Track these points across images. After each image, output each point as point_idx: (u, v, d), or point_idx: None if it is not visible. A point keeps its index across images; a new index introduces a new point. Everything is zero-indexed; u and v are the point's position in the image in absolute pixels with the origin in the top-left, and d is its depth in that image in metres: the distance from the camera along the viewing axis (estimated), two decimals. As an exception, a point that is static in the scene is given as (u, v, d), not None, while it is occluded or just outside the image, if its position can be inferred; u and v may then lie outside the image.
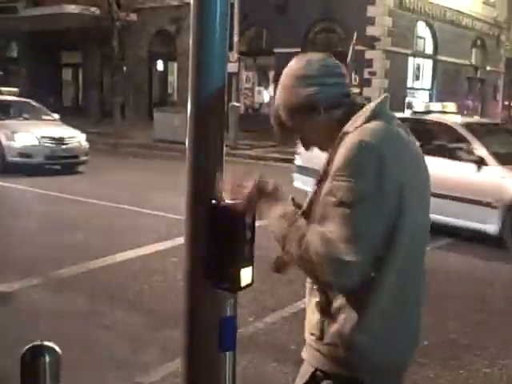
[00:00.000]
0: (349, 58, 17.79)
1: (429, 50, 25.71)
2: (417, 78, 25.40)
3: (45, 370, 1.86)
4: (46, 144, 12.97)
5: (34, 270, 6.01)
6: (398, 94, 22.98)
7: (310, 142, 1.94)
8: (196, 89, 1.82)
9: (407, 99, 20.29)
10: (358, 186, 1.65)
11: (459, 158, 8.08)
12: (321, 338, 1.80)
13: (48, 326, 4.50)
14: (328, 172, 1.76)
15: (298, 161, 10.00)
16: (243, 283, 1.80)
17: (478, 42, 29.11)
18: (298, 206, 1.91)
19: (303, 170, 9.15)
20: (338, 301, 1.76)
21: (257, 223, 1.82)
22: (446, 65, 26.17)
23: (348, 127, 1.78)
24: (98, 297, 5.39)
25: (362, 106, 1.85)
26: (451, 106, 10.03)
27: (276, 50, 23.37)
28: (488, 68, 29.89)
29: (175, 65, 26.47)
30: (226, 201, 1.81)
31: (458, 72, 27.15)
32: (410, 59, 24.40)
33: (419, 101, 19.95)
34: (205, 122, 1.83)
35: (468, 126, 8.52)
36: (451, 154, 8.19)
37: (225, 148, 1.86)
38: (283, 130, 1.93)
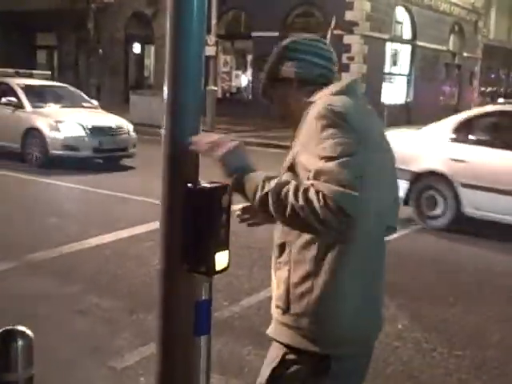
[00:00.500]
0: (327, 43, 17.76)
1: (407, 35, 25.78)
2: (394, 63, 25.47)
3: (17, 354, 1.85)
4: (94, 135, 11.32)
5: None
6: (375, 80, 23.09)
7: (280, 111, 2.03)
8: (173, 72, 1.81)
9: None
10: (341, 140, 1.68)
11: None
12: (286, 310, 1.84)
13: (21, 310, 4.46)
14: (296, 137, 1.84)
15: None
16: (219, 267, 1.80)
17: (456, 28, 29.26)
18: None
19: None
20: (303, 271, 1.79)
21: (232, 207, 1.81)
22: (424, 50, 26.28)
23: (313, 98, 1.87)
24: (71, 281, 5.36)
25: None
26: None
27: (254, 34, 23.27)
28: (465, 54, 30.10)
29: (152, 48, 26.23)
30: (202, 184, 1.80)
31: (436, 58, 27.31)
32: (388, 44, 24.45)
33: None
34: (181, 105, 1.82)
35: None
36: None
37: (202, 132, 1.86)
38: (265, 96, 2.05)
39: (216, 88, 19.31)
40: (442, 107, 28.32)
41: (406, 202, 7.65)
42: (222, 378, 3.67)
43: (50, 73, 14.65)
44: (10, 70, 14.10)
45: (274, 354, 1.91)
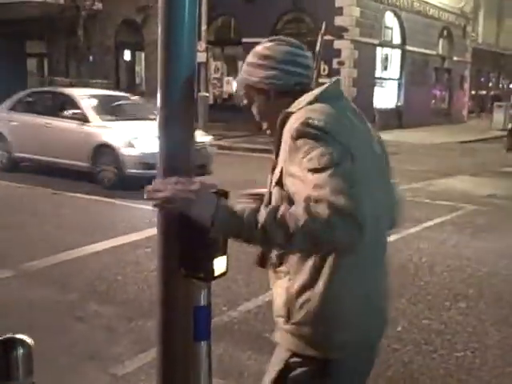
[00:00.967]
0: (317, 48, 17.84)
1: (396, 40, 25.94)
2: (385, 68, 25.62)
3: (17, 363, 1.82)
4: None
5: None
6: (366, 84, 23.19)
7: (261, 120, 1.99)
8: (165, 79, 1.79)
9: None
10: (326, 150, 1.64)
11: None
12: (288, 318, 1.83)
13: (20, 318, 4.43)
14: (278, 152, 1.80)
15: None
16: (217, 272, 1.78)
17: (445, 33, 29.47)
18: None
19: None
20: (303, 280, 1.78)
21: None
22: (414, 55, 26.45)
23: (291, 108, 1.81)
24: (70, 288, 5.32)
25: None
26: None
27: (244, 40, 23.31)
28: (455, 58, 30.31)
29: (143, 55, 26.24)
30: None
31: (425, 62, 27.49)
32: (378, 49, 24.60)
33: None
34: (175, 112, 1.80)
35: None
36: None
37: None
38: (241, 101, 2.03)
39: (208, 94, 19.36)
40: (432, 111, 28.53)
41: None
42: (222, 382, 3.65)
43: (110, 81, 13.85)
44: (64, 80, 13.81)
45: (279, 358, 1.90)
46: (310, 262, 1.76)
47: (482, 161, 15.84)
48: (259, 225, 1.56)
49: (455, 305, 5.22)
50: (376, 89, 24.58)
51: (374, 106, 23.19)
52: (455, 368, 4.05)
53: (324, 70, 20.76)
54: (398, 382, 3.82)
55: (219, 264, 1.77)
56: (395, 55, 26.08)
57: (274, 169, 1.83)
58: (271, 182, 1.84)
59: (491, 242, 7.38)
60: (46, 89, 15.21)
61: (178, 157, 1.82)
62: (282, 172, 1.76)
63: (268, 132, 1.97)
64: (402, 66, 26.24)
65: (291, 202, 1.66)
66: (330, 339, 1.80)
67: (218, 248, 1.77)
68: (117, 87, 27.33)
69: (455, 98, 31.01)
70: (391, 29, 25.61)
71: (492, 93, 36.56)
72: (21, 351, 1.83)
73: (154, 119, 7.34)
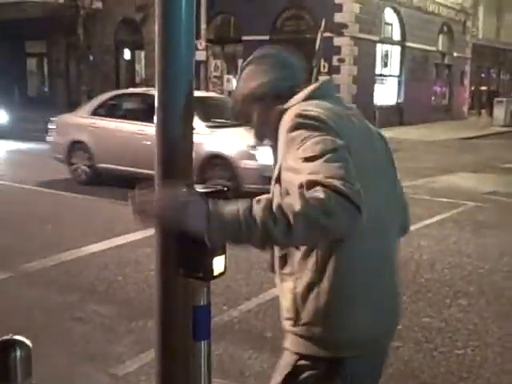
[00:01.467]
0: (317, 46, 17.81)
1: (396, 36, 25.91)
2: (385, 64, 25.59)
3: (16, 364, 1.82)
4: None
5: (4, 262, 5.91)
6: (366, 81, 23.17)
7: (258, 130, 1.99)
8: (163, 77, 1.80)
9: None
10: (321, 138, 1.64)
11: None
12: (296, 320, 1.81)
13: (19, 319, 4.43)
14: (276, 151, 1.81)
15: None
16: (216, 272, 1.77)
17: (445, 28, 29.44)
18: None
19: None
20: (307, 280, 1.76)
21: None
22: (414, 51, 26.42)
23: (285, 105, 1.84)
24: (70, 289, 5.32)
25: None
26: None
27: (244, 38, 23.31)
28: (455, 54, 30.28)
29: (142, 53, 26.23)
30: (196, 189, 1.78)
31: (425, 58, 27.46)
32: (378, 46, 24.58)
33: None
34: (173, 111, 1.80)
35: None
36: None
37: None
38: (239, 118, 2.02)
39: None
40: (433, 107, 28.51)
41: None
42: (223, 382, 3.64)
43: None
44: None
45: (286, 362, 1.88)
46: (312, 260, 1.75)
47: (483, 157, 15.82)
48: (257, 221, 1.51)
49: (456, 302, 5.21)
50: (376, 86, 24.56)
51: (375, 103, 23.18)
52: (456, 366, 4.05)
53: (324, 67, 20.75)
54: (398, 380, 3.82)
55: (218, 263, 1.77)
56: (395, 52, 26.05)
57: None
58: (271, 181, 1.83)
59: (492, 238, 7.37)
60: (135, 90, 12.98)
61: (177, 156, 1.81)
62: (280, 169, 1.76)
63: (270, 143, 1.96)
64: (402, 62, 26.22)
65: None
66: (338, 338, 1.79)
67: (216, 247, 1.77)
68: (117, 86, 27.42)
69: (456, 94, 30.98)
70: (391, 25, 25.59)
71: (485, 88, 36.20)
72: (19, 353, 1.83)
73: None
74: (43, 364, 2.26)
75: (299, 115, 1.72)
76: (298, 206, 1.49)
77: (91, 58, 24.92)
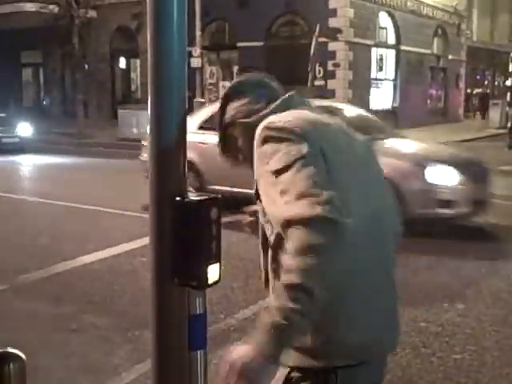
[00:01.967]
0: (312, 51, 17.84)
1: (391, 40, 25.97)
2: (380, 68, 25.63)
3: (9, 378, 1.81)
4: (470, 180, 7.43)
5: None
6: (362, 86, 23.21)
7: (248, 157, 1.94)
8: (155, 85, 1.79)
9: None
10: (289, 148, 1.65)
11: None
12: None
13: (14, 331, 4.40)
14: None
15: None
16: (210, 280, 1.76)
17: (439, 31, 29.51)
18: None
19: None
20: None
21: (223, 219, 1.79)
22: (409, 54, 26.48)
23: (253, 118, 1.86)
24: (65, 300, 5.30)
25: None
26: None
27: (239, 44, 23.35)
28: (450, 57, 30.34)
29: (138, 61, 26.26)
30: (190, 197, 1.78)
31: (420, 61, 27.51)
32: (373, 50, 24.62)
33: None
34: (166, 118, 1.80)
35: None
36: None
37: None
38: (230, 153, 2.01)
39: (203, 100, 19.33)
40: (429, 111, 28.54)
41: None
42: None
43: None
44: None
45: (277, 376, 1.86)
46: None
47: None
48: (286, 314, 1.53)
49: (453, 306, 5.21)
50: (372, 90, 24.60)
51: (371, 107, 23.20)
52: (454, 371, 4.04)
53: (319, 72, 20.78)
54: (397, 386, 3.81)
55: (212, 272, 1.76)
56: (390, 55, 26.11)
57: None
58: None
59: (489, 241, 7.37)
60: None
61: (171, 164, 1.80)
62: (257, 184, 1.77)
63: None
64: (397, 66, 26.27)
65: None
66: (331, 347, 1.76)
67: (211, 256, 1.76)
68: (112, 95, 27.44)
69: (451, 96, 31.04)
70: (385, 29, 25.65)
71: (475, 92, 35.89)
72: (13, 366, 1.81)
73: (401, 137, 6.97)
74: (38, 377, 2.25)
75: (266, 128, 1.73)
76: (296, 269, 1.53)
77: (86, 66, 24.94)
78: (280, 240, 1.69)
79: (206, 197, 1.79)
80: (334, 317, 1.75)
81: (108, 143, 19.35)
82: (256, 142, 1.75)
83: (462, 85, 32.30)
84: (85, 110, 23.52)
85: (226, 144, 2.00)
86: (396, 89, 26.24)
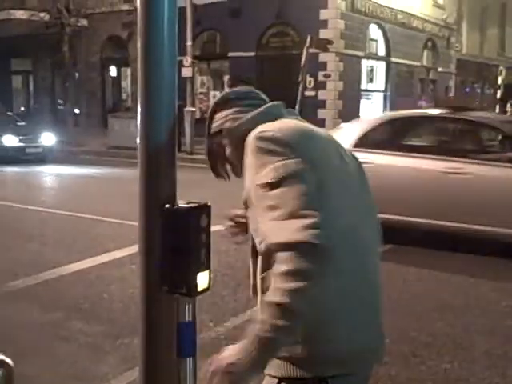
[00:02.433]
0: (303, 61, 17.90)
1: (381, 52, 26.12)
2: (370, 80, 25.77)
3: (-4, 385, 1.80)
4: None
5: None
6: (352, 97, 23.31)
7: (238, 165, 1.93)
8: (145, 94, 1.79)
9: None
10: (279, 162, 1.65)
11: None
12: None
13: (2, 338, 4.36)
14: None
15: None
16: (200, 288, 1.76)
17: (429, 44, 29.73)
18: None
19: None
20: None
21: (212, 227, 1.79)
22: (399, 66, 26.64)
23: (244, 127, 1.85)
24: (55, 307, 5.27)
25: None
26: None
27: (230, 54, 23.41)
28: (439, 69, 30.55)
29: (128, 70, 26.26)
30: (179, 204, 1.78)
31: (410, 73, 27.68)
32: (364, 61, 24.75)
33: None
34: (155, 127, 1.80)
35: None
36: None
37: (181, 153, 1.83)
38: (221, 168, 1.99)
39: (194, 109, 19.32)
40: (418, 122, 28.61)
41: None
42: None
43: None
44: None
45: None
46: None
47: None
48: (271, 330, 1.57)
49: (443, 316, 5.22)
50: (362, 101, 24.71)
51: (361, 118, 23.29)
52: (443, 380, 4.04)
53: (310, 83, 20.85)
54: (386, 395, 3.81)
55: (202, 279, 1.76)
56: (380, 67, 26.26)
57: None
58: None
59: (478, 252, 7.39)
60: (428, 113, 8.80)
61: (160, 172, 1.80)
62: (247, 194, 1.76)
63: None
64: (388, 77, 26.41)
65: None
66: (319, 357, 1.75)
67: (200, 263, 1.76)
68: (103, 103, 27.40)
69: (440, 108, 31.21)
70: (376, 41, 25.81)
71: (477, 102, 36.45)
72: (1, 372, 1.79)
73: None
74: (26, 384, 2.23)
75: (255, 138, 1.72)
76: (282, 289, 1.55)
77: (77, 75, 24.92)
78: (269, 249, 1.69)
79: (196, 204, 1.79)
80: (321, 328, 1.74)
81: (98, 151, 19.31)
82: (246, 151, 1.74)
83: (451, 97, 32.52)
84: (75, 119, 23.49)
85: (213, 153, 1.98)
86: (386, 100, 26.37)
